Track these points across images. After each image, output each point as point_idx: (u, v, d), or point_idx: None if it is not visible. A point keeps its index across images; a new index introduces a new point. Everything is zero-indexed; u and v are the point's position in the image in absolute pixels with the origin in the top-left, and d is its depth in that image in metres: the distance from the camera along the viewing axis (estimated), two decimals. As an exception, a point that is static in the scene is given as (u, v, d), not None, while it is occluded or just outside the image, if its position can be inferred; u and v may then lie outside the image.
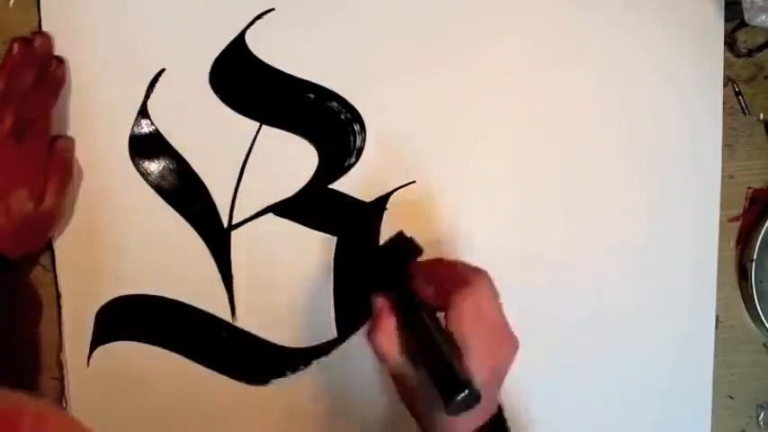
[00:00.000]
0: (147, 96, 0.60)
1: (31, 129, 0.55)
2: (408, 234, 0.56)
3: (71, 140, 0.58)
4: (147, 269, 0.61)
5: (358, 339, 0.63)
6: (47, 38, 0.57)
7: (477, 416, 0.50)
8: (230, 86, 0.60)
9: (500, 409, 0.53)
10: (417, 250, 0.55)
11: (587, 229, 0.65)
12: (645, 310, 0.65)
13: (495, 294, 0.50)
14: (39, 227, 0.57)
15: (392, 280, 0.53)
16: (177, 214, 0.61)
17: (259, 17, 0.60)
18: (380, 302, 0.52)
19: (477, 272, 0.51)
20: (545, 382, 0.65)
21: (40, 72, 0.56)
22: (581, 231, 0.65)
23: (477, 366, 0.48)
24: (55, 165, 0.56)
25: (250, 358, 0.62)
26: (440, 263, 0.55)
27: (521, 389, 0.65)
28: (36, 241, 0.58)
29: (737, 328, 0.68)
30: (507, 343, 0.50)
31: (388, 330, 0.50)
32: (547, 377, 0.65)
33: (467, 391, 0.45)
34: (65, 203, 0.58)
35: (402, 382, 0.51)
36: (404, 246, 0.56)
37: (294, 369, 0.63)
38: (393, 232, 0.56)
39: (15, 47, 0.56)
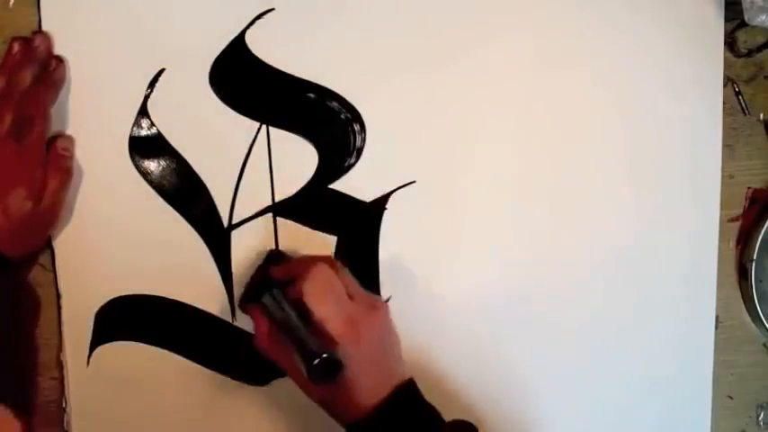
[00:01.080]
0: (147, 96, 0.60)
1: (29, 128, 0.55)
2: (282, 249, 0.61)
3: (71, 140, 0.58)
4: (148, 269, 0.61)
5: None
6: (46, 37, 0.57)
7: (367, 389, 0.52)
8: (230, 86, 0.60)
9: (410, 384, 0.55)
10: (282, 257, 0.61)
11: (587, 229, 0.65)
12: (645, 311, 0.65)
13: (337, 269, 0.55)
14: (38, 226, 0.57)
15: (259, 288, 0.57)
16: (177, 214, 0.60)
17: (259, 17, 0.60)
18: (252, 312, 0.57)
19: (318, 257, 0.57)
20: (545, 381, 0.65)
21: (39, 71, 0.56)
22: (581, 231, 0.65)
23: (338, 337, 0.51)
24: (54, 164, 0.56)
25: (250, 358, 0.62)
26: (290, 262, 0.60)
27: (521, 389, 0.65)
28: (35, 240, 0.58)
29: (737, 328, 0.68)
30: (365, 308, 0.54)
31: (264, 332, 0.55)
32: (547, 377, 0.65)
33: (318, 359, 0.50)
34: (64, 202, 0.58)
35: (294, 375, 0.55)
36: (272, 259, 0.61)
37: (294, 369, 0.63)
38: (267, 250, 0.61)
39: (15, 46, 0.56)
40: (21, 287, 0.59)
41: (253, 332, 0.56)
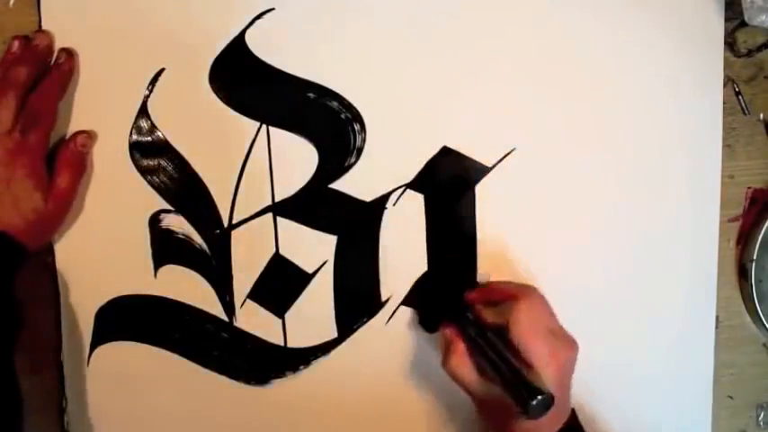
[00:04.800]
0: (147, 96, 0.60)
1: (36, 122, 0.55)
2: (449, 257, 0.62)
3: (90, 136, 0.59)
4: (147, 269, 0.61)
5: (358, 339, 0.63)
6: (47, 36, 0.57)
7: (553, 420, 0.54)
8: (230, 86, 0.60)
9: (574, 413, 0.56)
10: (472, 282, 0.62)
11: (587, 229, 0.65)
12: (645, 311, 0.65)
13: (546, 303, 0.56)
14: (52, 218, 0.57)
15: (455, 311, 0.58)
16: (177, 214, 0.61)
17: (259, 17, 0.60)
18: (449, 332, 0.57)
19: (526, 287, 0.58)
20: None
21: (39, 69, 0.57)
22: (581, 231, 0.65)
23: (543, 371, 0.52)
24: (71, 158, 0.57)
25: (250, 358, 0.62)
26: (489, 287, 0.61)
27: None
28: (51, 232, 0.59)
29: (737, 328, 0.68)
30: (567, 345, 0.55)
31: (461, 356, 0.56)
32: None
33: (540, 396, 0.50)
34: (76, 196, 0.58)
35: (481, 399, 0.56)
36: (461, 278, 0.62)
37: (294, 369, 0.63)
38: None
39: (15, 44, 0.57)
40: (39, 276, 0.60)
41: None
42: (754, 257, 0.66)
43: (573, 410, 0.56)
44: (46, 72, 0.57)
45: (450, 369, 0.56)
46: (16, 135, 0.55)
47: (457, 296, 0.60)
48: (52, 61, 0.58)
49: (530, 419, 0.50)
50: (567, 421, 0.55)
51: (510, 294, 0.56)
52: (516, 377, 0.52)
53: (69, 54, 0.58)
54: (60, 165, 0.57)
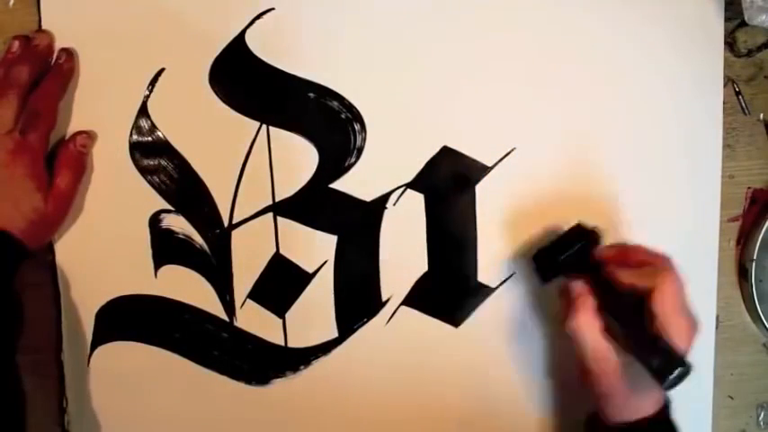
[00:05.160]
0: (147, 96, 0.60)
1: (36, 122, 0.55)
2: (582, 224, 0.59)
3: (90, 137, 0.59)
4: (147, 269, 0.61)
5: (358, 339, 0.63)
6: (47, 35, 0.57)
7: (652, 405, 0.54)
8: (230, 86, 0.60)
9: (669, 402, 0.56)
10: (597, 237, 0.58)
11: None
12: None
13: (684, 280, 0.54)
14: (52, 217, 0.57)
15: (580, 262, 0.56)
16: (177, 214, 0.61)
17: (259, 17, 0.60)
18: (578, 286, 0.55)
19: (667, 256, 0.55)
20: (546, 381, 0.65)
21: (40, 68, 0.57)
22: (581, 231, 0.65)
23: (681, 342, 0.51)
24: (70, 159, 0.58)
25: (250, 358, 0.62)
26: (625, 248, 0.58)
27: (522, 389, 0.65)
28: (51, 232, 0.59)
29: (737, 328, 0.68)
30: (696, 325, 0.54)
31: (590, 312, 0.54)
32: (547, 375, 0.65)
33: (683, 367, 0.48)
34: (76, 196, 0.59)
35: (600, 364, 0.54)
36: (583, 234, 0.58)
37: (294, 369, 0.63)
38: (572, 224, 0.60)
39: (15, 43, 0.57)
40: (39, 276, 0.60)
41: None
42: (754, 257, 0.66)
43: (668, 398, 0.56)
44: (46, 72, 0.57)
45: (577, 326, 0.54)
46: (16, 135, 0.55)
47: (582, 251, 0.57)
48: (52, 61, 0.58)
49: (664, 389, 0.49)
50: (663, 405, 0.56)
51: (647, 260, 0.55)
52: (658, 344, 0.50)
53: (69, 54, 0.58)
54: (60, 165, 0.57)
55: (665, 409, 0.56)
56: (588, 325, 0.54)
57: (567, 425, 0.65)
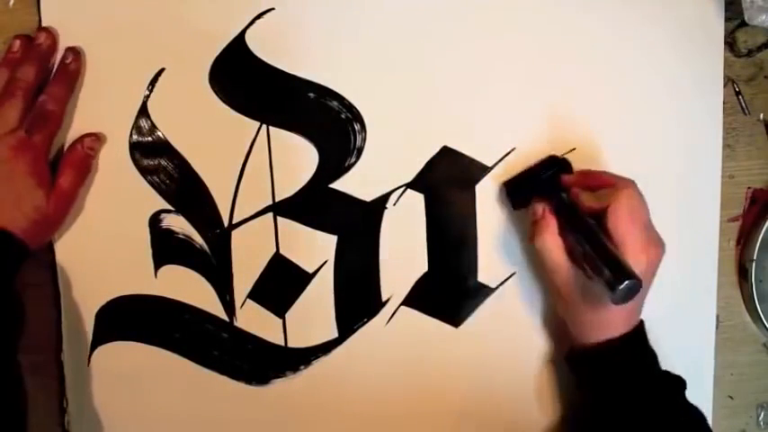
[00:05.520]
0: (147, 96, 0.60)
1: (44, 123, 0.56)
2: (553, 155, 0.62)
3: (99, 139, 0.59)
4: (147, 269, 0.61)
5: (358, 339, 0.63)
6: (50, 34, 0.58)
7: (623, 319, 0.56)
8: (230, 86, 0.60)
9: (642, 322, 0.57)
10: (568, 166, 0.61)
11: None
12: (645, 311, 0.65)
13: (643, 198, 0.56)
14: (52, 217, 0.57)
15: (549, 188, 0.59)
16: (177, 214, 0.61)
17: (259, 17, 0.60)
18: (541, 207, 0.58)
19: (626, 178, 0.57)
20: (547, 380, 0.65)
21: (45, 67, 0.57)
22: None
23: (633, 261, 0.52)
24: (76, 160, 0.58)
25: (250, 358, 0.62)
26: (588, 173, 0.60)
27: (522, 390, 0.65)
28: (51, 232, 0.59)
29: (737, 328, 0.68)
30: (657, 243, 0.55)
31: (552, 231, 0.56)
32: (548, 374, 0.65)
33: (630, 279, 0.49)
34: (78, 196, 0.59)
35: (562, 282, 0.56)
36: (555, 163, 0.61)
37: (294, 369, 0.63)
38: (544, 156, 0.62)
39: (16, 43, 0.57)
40: (40, 276, 0.60)
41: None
42: (755, 257, 0.66)
43: (641, 321, 0.57)
44: (52, 71, 0.57)
45: (539, 244, 0.57)
46: (21, 133, 0.55)
47: (551, 178, 0.60)
48: (57, 60, 0.58)
49: (614, 302, 0.50)
50: (635, 326, 0.57)
51: (609, 182, 0.57)
52: (609, 258, 0.51)
53: (76, 53, 0.58)
54: (65, 165, 0.57)
55: (637, 329, 0.57)
56: (550, 243, 0.56)
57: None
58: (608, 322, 0.56)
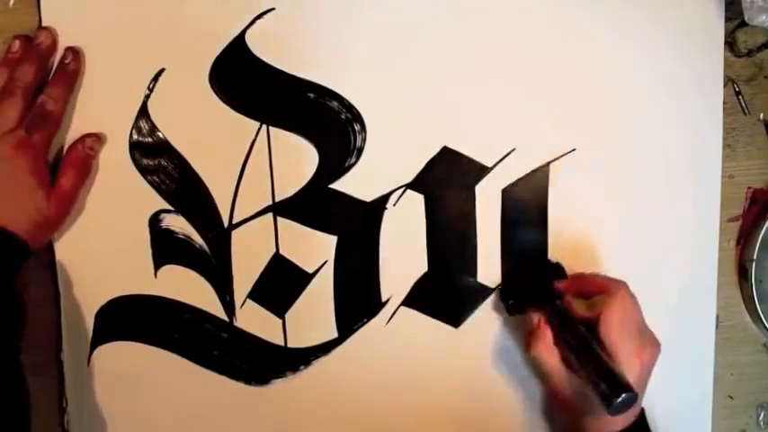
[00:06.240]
0: (147, 96, 0.60)
1: (44, 124, 0.56)
2: (547, 259, 0.63)
3: (99, 140, 0.59)
4: (147, 269, 0.61)
5: (358, 339, 0.63)
6: (50, 33, 0.57)
7: (622, 419, 0.55)
8: (230, 86, 0.60)
9: (643, 411, 0.57)
10: (562, 272, 0.62)
11: (588, 229, 0.65)
12: (645, 311, 0.65)
13: (636, 301, 0.56)
14: (52, 217, 0.57)
15: (543, 295, 0.60)
16: (177, 214, 0.61)
17: (259, 17, 0.60)
18: (536, 317, 0.59)
19: (617, 282, 0.57)
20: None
21: (44, 66, 0.57)
22: (582, 231, 0.65)
23: (628, 369, 0.53)
24: (76, 159, 0.58)
25: (250, 358, 0.62)
26: (580, 278, 0.61)
27: (522, 390, 0.65)
28: (51, 231, 0.59)
29: (737, 328, 0.68)
30: (651, 346, 0.56)
31: (547, 341, 0.57)
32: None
33: (627, 393, 0.50)
34: (79, 196, 0.59)
35: (559, 390, 0.57)
36: (549, 269, 0.62)
37: (294, 369, 0.63)
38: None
39: (16, 43, 0.57)
40: (40, 276, 0.60)
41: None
42: (754, 257, 0.66)
43: (642, 409, 0.57)
44: (52, 71, 0.57)
45: (535, 355, 0.57)
46: (20, 133, 0.55)
47: (545, 285, 0.61)
48: (57, 60, 0.58)
49: (611, 414, 0.50)
50: (636, 418, 0.56)
51: (601, 288, 0.57)
52: (604, 371, 0.51)
53: (76, 53, 0.58)
54: (65, 165, 0.58)
55: (638, 421, 0.57)
56: (545, 353, 0.57)
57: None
58: (608, 422, 0.55)
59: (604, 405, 0.50)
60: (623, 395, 0.50)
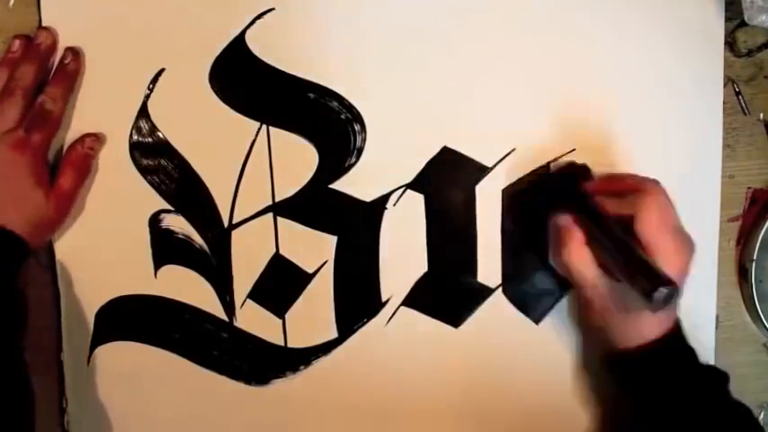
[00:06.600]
0: (147, 96, 0.60)
1: (43, 124, 0.56)
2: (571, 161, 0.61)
3: (99, 140, 0.59)
4: (147, 269, 0.61)
5: (358, 339, 0.63)
6: (50, 33, 0.57)
7: (658, 323, 0.55)
8: (230, 86, 0.60)
9: (678, 322, 0.56)
10: (588, 172, 0.60)
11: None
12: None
13: (671, 201, 0.55)
14: (52, 216, 0.57)
15: (569, 197, 0.57)
16: (177, 214, 0.61)
17: (259, 17, 0.60)
18: (564, 219, 0.56)
19: (651, 180, 0.56)
20: (548, 377, 0.65)
21: (44, 66, 0.57)
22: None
23: (666, 267, 0.51)
24: (76, 159, 0.58)
25: (250, 358, 0.62)
26: (611, 178, 0.59)
27: (522, 390, 0.65)
28: (51, 231, 0.59)
29: (737, 328, 0.68)
30: (687, 245, 0.55)
31: (579, 242, 0.55)
32: (548, 374, 0.65)
33: (667, 286, 0.48)
34: (78, 196, 0.59)
35: (593, 293, 0.55)
36: (574, 169, 0.60)
37: (294, 369, 0.63)
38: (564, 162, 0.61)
39: (16, 43, 0.57)
40: (39, 276, 0.60)
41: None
42: (754, 257, 0.66)
43: (678, 319, 0.57)
44: (52, 71, 0.57)
45: (567, 258, 0.55)
46: (20, 133, 0.55)
47: (573, 187, 0.58)
48: (56, 59, 0.58)
49: (652, 310, 0.49)
50: (671, 328, 0.56)
51: (634, 187, 0.56)
52: (644, 266, 0.50)
53: (75, 53, 0.58)
54: (65, 165, 0.58)
55: (674, 330, 0.56)
56: (578, 255, 0.55)
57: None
58: (646, 326, 0.55)
59: (646, 301, 0.49)
60: (665, 288, 0.48)
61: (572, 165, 0.61)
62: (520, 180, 0.62)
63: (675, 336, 0.56)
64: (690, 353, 0.57)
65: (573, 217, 0.56)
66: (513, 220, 0.62)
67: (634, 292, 0.50)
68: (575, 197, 0.58)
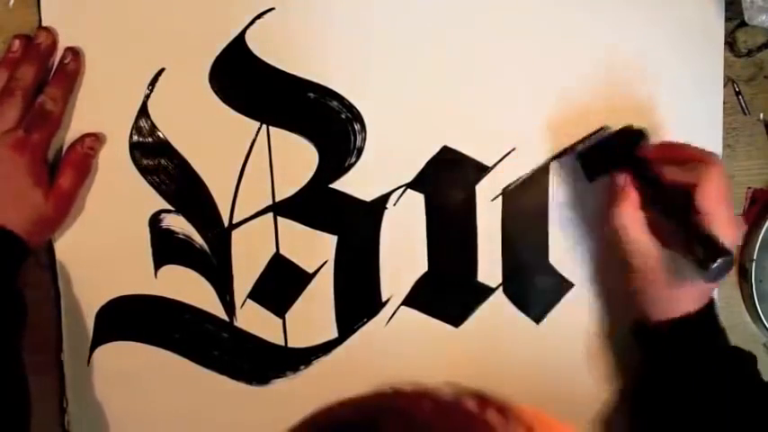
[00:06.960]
0: (148, 96, 0.60)
1: (43, 124, 0.56)
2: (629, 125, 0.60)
3: (99, 139, 0.59)
4: (147, 269, 0.61)
5: (358, 339, 0.63)
6: (50, 33, 0.57)
7: (696, 297, 0.55)
8: (230, 86, 0.60)
9: (713, 300, 0.57)
10: (645, 136, 0.59)
11: (588, 229, 0.65)
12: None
13: (727, 176, 0.55)
14: (51, 216, 0.57)
15: (627, 160, 0.56)
16: (177, 214, 0.61)
17: (259, 17, 0.60)
18: (623, 178, 0.56)
19: (714, 154, 0.56)
20: (548, 377, 0.65)
21: (44, 66, 0.57)
22: (583, 230, 0.65)
23: (725, 236, 0.52)
24: (75, 159, 0.58)
25: (250, 358, 0.62)
26: (672, 145, 0.59)
27: (522, 390, 0.65)
28: (50, 231, 0.59)
29: (737, 328, 0.68)
30: (738, 221, 0.57)
31: (633, 204, 0.55)
32: (548, 373, 0.65)
33: (727, 257, 0.48)
34: (78, 196, 0.59)
35: (642, 256, 0.55)
36: (633, 133, 0.59)
37: (294, 369, 0.63)
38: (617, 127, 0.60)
39: (15, 43, 0.57)
40: (40, 276, 0.60)
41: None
42: (754, 257, 0.66)
43: (713, 298, 0.57)
44: (52, 71, 0.57)
45: (618, 217, 0.55)
46: (20, 133, 0.55)
47: (631, 149, 0.58)
48: (56, 60, 0.58)
49: (706, 281, 0.50)
50: (707, 304, 0.56)
51: (696, 157, 0.56)
52: (702, 236, 0.50)
53: (75, 54, 0.58)
54: (65, 165, 0.58)
55: (708, 307, 0.57)
56: (630, 216, 0.55)
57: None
58: (685, 298, 0.55)
59: (701, 271, 0.49)
60: (721, 259, 0.48)
61: (629, 128, 0.60)
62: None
63: (709, 313, 0.57)
64: (721, 331, 0.58)
65: (630, 178, 0.56)
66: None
67: (683, 261, 0.50)
68: (632, 160, 0.57)
